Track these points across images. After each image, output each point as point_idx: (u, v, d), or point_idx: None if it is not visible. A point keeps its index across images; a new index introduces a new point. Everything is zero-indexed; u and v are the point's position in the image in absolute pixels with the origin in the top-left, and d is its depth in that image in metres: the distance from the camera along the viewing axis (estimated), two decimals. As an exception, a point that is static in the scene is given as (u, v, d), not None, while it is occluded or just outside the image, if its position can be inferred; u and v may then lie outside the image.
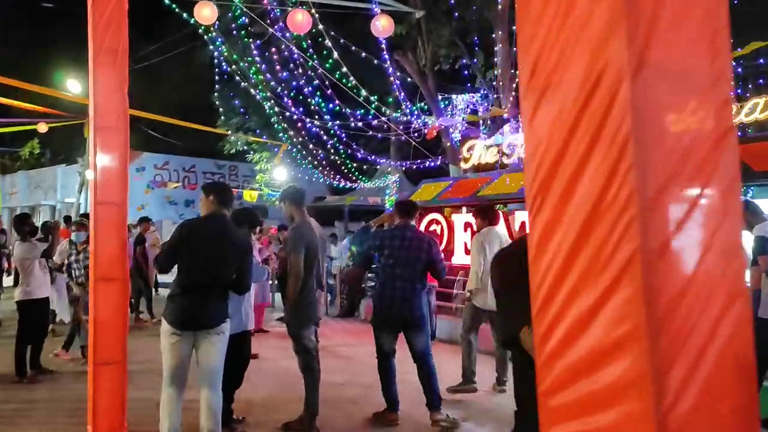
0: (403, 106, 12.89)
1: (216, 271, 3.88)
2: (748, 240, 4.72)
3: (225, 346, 3.91)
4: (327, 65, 11.60)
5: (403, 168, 16.00)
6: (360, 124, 13.53)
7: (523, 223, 8.68)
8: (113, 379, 4.10)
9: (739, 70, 10.90)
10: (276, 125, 15.00)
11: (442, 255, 5.34)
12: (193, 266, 3.80)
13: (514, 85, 12.36)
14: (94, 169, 4.07)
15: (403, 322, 4.91)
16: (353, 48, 11.20)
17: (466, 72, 13.07)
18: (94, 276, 4.01)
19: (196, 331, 3.80)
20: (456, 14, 12.58)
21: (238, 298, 4.23)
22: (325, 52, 11.35)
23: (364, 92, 11.60)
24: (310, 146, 15.42)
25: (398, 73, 12.36)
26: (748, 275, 4.59)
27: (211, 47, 12.94)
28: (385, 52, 11.19)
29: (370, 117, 13.38)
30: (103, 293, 4.04)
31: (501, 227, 6.47)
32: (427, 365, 4.91)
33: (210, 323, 3.84)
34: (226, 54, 13.10)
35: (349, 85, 11.48)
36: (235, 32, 13.00)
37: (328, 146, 14.99)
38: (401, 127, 13.43)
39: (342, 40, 11.03)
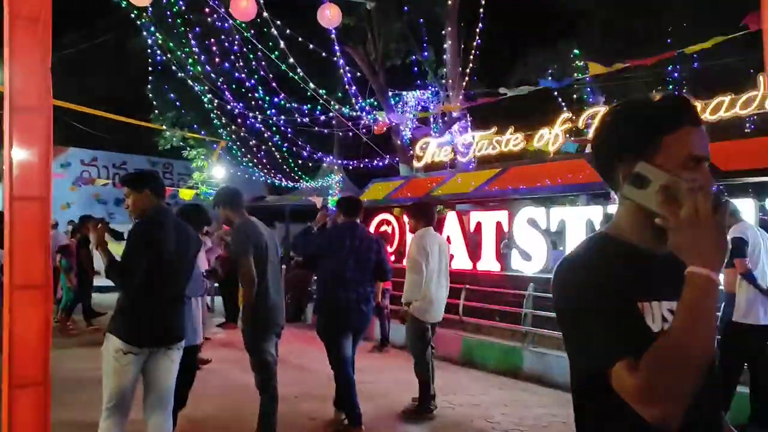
0: (353, 101, 12.47)
1: (182, 275, 3.42)
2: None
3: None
4: (272, 56, 11.04)
5: (351, 167, 15.57)
6: (306, 119, 13.01)
7: (479, 224, 8.45)
8: (34, 403, 3.49)
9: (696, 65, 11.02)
10: (215, 120, 14.25)
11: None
12: (160, 274, 3.25)
13: (464, 83, 12.22)
14: (8, 158, 3.47)
15: (355, 326, 4.69)
16: (300, 39, 10.69)
17: (416, 69, 12.81)
18: (10, 284, 3.41)
19: (155, 348, 3.27)
20: (406, 8, 12.30)
21: (187, 309, 3.73)
22: (271, 43, 10.78)
23: (312, 85, 11.10)
24: (251, 143, 14.75)
25: (348, 68, 11.94)
26: (722, 278, 4.49)
27: (145, 34, 12.09)
28: (335, 45, 10.76)
29: (318, 112, 12.89)
30: (21, 304, 3.42)
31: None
32: (352, 368, 4.85)
33: (177, 337, 3.36)
34: (161, 42, 12.27)
35: (297, 78, 10.96)
36: (170, 19, 12.20)
37: (270, 143, 14.38)
38: (350, 124, 13.02)
39: (288, 30, 10.49)
